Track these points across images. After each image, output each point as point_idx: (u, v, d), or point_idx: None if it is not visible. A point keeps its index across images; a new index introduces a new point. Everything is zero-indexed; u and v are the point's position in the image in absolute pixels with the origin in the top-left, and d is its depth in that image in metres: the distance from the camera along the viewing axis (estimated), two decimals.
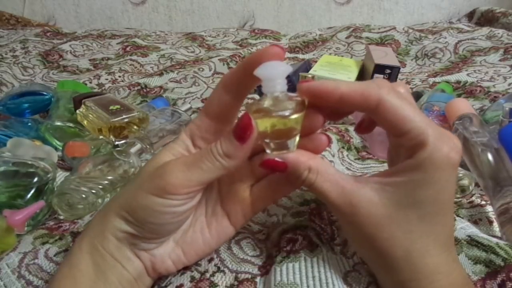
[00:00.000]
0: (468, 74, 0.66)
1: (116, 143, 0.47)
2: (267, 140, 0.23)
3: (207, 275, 0.27)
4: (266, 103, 0.22)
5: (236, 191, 0.27)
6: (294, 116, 0.21)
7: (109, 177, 0.38)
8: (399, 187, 0.21)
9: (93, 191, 0.36)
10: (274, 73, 0.22)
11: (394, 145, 0.25)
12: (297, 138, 0.23)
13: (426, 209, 0.21)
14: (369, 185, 0.22)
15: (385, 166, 0.44)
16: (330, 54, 0.91)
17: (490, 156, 0.35)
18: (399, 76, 0.71)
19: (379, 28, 0.99)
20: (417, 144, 0.21)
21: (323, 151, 0.25)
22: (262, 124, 0.22)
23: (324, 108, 0.24)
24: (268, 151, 0.23)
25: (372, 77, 0.63)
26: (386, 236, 0.22)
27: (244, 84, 0.24)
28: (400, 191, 0.21)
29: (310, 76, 0.59)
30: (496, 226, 0.33)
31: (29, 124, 0.52)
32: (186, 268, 0.28)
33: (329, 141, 0.25)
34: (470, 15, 1.15)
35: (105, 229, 0.24)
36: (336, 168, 0.23)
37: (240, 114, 0.23)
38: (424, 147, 0.20)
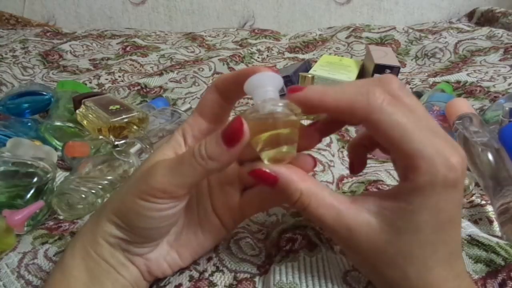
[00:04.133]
0: (468, 74, 0.66)
1: (116, 143, 0.47)
2: (263, 151, 0.22)
3: (206, 274, 0.27)
4: (259, 110, 0.21)
5: (225, 195, 0.26)
6: (289, 118, 0.21)
7: (109, 177, 0.38)
8: (397, 213, 0.20)
9: (93, 191, 0.36)
10: (264, 81, 0.21)
11: (391, 159, 0.24)
12: (294, 148, 0.22)
13: (426, 232, 0.20)
14: (366, 206, 0.21)
15: (385, 166, 0.43)
16: (330, 54, 0.91)
17: (490, 156, 0.35)
18: (399, 76, 0.71)
19: (379, 28, 0.99)
20: (409, 165, 0.19)
21: (309, 173, 0.24)
22: (255, 132, 0.21)
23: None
24: (266, 161, 0.22)
25: (372, 77, 0.63)
26: (387, 261, 0.21)
27: (234, 91, 0.24)
28: (398, 217, 0.20)
29: (310, 76, 0.59)
30: (496, 225, 0.33)
31: (29, 124, 0.52)
32: (185, 268, 0.27)
33: (315, 165, 0.24)
34: (470, 15, 1.15)
35: (97, 234, 0.24)
36: (330, 189, 0.22)
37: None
38: (416, 170, 0.19)
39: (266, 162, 0.22)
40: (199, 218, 0.27)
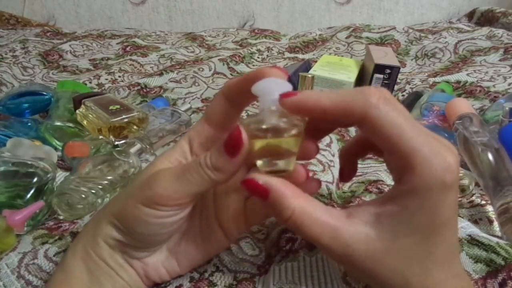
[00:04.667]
0: (468, 74, 0.66)
1: (116, 143, 0.47)
2: (260, 161, 0.21)
3: (206, 275, 0.27)
4: (262, 120, 0.21)
5: (230, 203, 0.26)
6: (290, 133, 0.20)
7: (109, 177, 0.38)
8: (394, 218, 0.20)
9: (93, 191, 0.36)
10: (271, 89, 0.21)
11: (385, 161, 0.23)
12: (294, 158, 0.21)
13: (422, 235, 0.20)
14: (362, 218, 0.21)
15: (385, 166, 0.43)
16: (330, 54, 0.91)
17: (490, 156, 0.35)
18: (399, 76, 0.71)
19: (379, 28, 0.99)
20: (405, 166, 0.19)
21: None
22: (256, 143, 0.21)
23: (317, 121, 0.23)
24: (263, 170, 0.22)
25: (372, 77, 0.63)
26: (386, 268, 0.20)
27: (243, 97, 0.23)
28: (395, 222, 0.20)
29: (310, 76, 0.59)
30: (496, 225, 0.33)
31: (29, 124, 0.52)
32: None
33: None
34: (470, 15, 1.15)
35: (97, 235, 0.24)
36: (324, 204, 0.22)
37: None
38: (413, 171, 0.19)
39: (263, 172, 0.22)
40: (200, 227, 0.27)
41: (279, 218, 0.21)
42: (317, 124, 0.23)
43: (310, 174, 0.24)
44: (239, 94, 0.23)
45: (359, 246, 0.20)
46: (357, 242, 0.20)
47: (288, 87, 0.21)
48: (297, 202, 0.21)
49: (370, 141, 0.25)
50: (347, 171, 0.28)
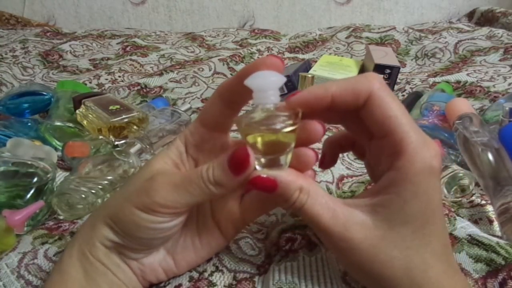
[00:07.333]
0: (468, 74, 0.66)
1: (116, 143, 0.47)
2: (257, 156, 0.21)
3: (206, 274, 0.27)
4: (257, 116, 0.20)
5: (226, 202, 0.26)
6: (286, 130, 0.20)
7: (109, 177, 0.38)
8: (389, 206, 0.20)
9: (93, 191, 0.36)
10: (265, 84, 0.20)
11: (374, 151, 0.24)
12: (290, 154, 0.21)
13: (417, 222, 0.20)
14: (359, 207, 0.21)
15: None
16: (330, 54, 0.91)
17: (490, 156, 0.35)
18: (399, 76, 0.71)
19: (379, 28, 0.99)
20: (397, 151, 0.20)
21: (311, 168, 0.24)
22: (252, 139, 0.21)
23: (318, 114, 0.23)
24: (258, 167, 0.22)
25: None
26: (384, 258, 0.20)
27: (240, 95, 0.23)
28: (390, 210, 0.20)
29: (310, 76, 0.59)
30: (496, 225, 0.33)
31: (29, 124, 0.52)
32: None
33: (317, 158, 0.24)
34: (470, 15, 1.15)
35: (94, 236, 0.24)
36: (325, 191, 0.22)
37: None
38: (404, 155, 0.20)
39: (260, 168, 0.22)
40: (197, 227, 0.27)
41: (288, 203, 0.22)
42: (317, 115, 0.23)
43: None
44: (234, 93, 0.23)
45: (357, 231, 0.21)
46: (354, 226, 0.21)
47: (281, 79, 0.21)
48: (303, 181, 0.21)
49: (354, 140, 0.27)
50: (327, 159, 0.29)
